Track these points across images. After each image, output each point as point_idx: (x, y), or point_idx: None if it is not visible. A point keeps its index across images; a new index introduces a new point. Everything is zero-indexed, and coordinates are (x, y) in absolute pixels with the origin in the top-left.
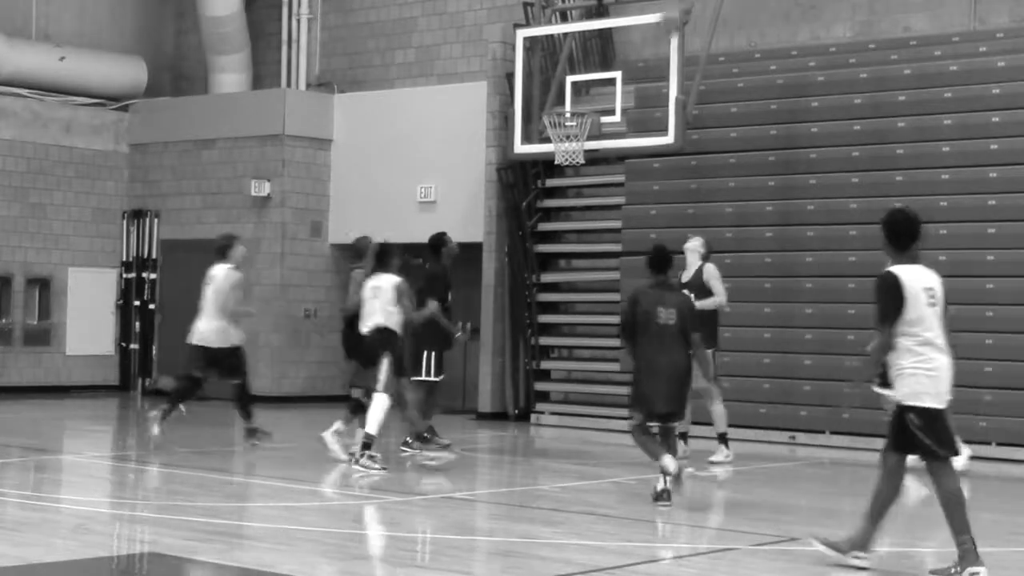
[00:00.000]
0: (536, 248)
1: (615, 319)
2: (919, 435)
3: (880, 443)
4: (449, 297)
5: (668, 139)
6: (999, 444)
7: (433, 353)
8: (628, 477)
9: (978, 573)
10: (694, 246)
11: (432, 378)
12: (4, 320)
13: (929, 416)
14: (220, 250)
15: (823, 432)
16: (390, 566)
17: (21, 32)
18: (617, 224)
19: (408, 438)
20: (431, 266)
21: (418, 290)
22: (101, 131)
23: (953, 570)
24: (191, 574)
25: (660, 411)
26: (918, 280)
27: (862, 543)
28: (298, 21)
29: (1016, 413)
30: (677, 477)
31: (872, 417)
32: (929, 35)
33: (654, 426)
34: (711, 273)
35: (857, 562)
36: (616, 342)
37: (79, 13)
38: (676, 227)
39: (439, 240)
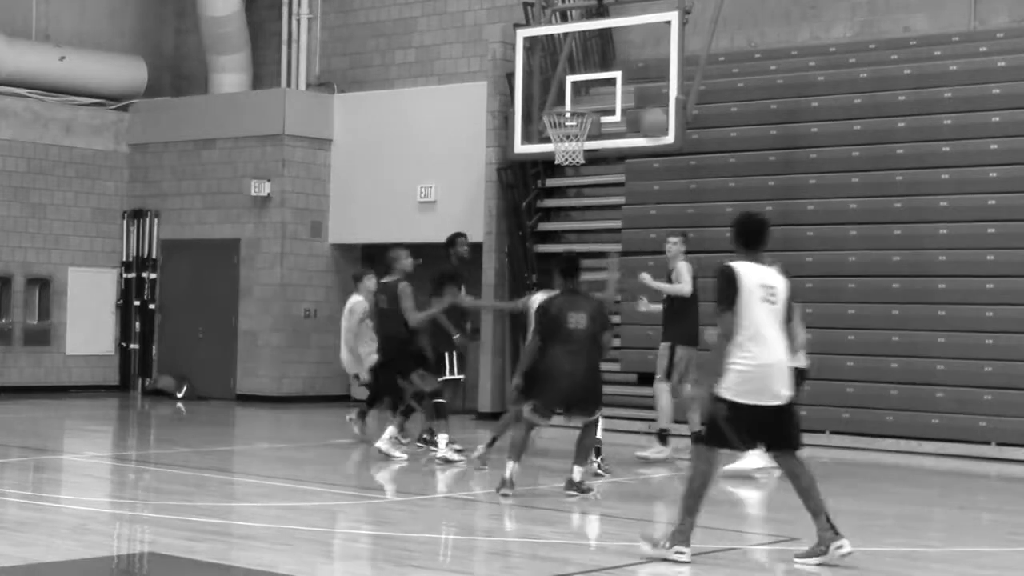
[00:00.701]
0: (536, 248)
1: (615, 319)
2: (723, 426)
3: (881, 443)
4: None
5: (668, 139)
6: (999, 444)
7: (454, 352)
8: (628, 477)
9: (842, 546)
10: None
11: (456, 376)
12: (4, 320)
13: (737, 409)
14: (353, 279)
15: (823, 432)
16: (390, 566)
17: (21, 32)
18: (617, 224)
19: (424, 435)
20: (441, 266)
21: (430, 291)
22: (101, 131)
23: (820, 549)
24: (191, 574)
25: (553, 407)
26: (755, 276)
27: (683, 537)
28: (298, 21)
29: (1016, 413)
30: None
31: (872, 417)
32: (929, 35)
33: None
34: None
35: (678, 556)
36: (616, 342)
37: (79, 13)
38: (676, 227)
39: (450, 241)
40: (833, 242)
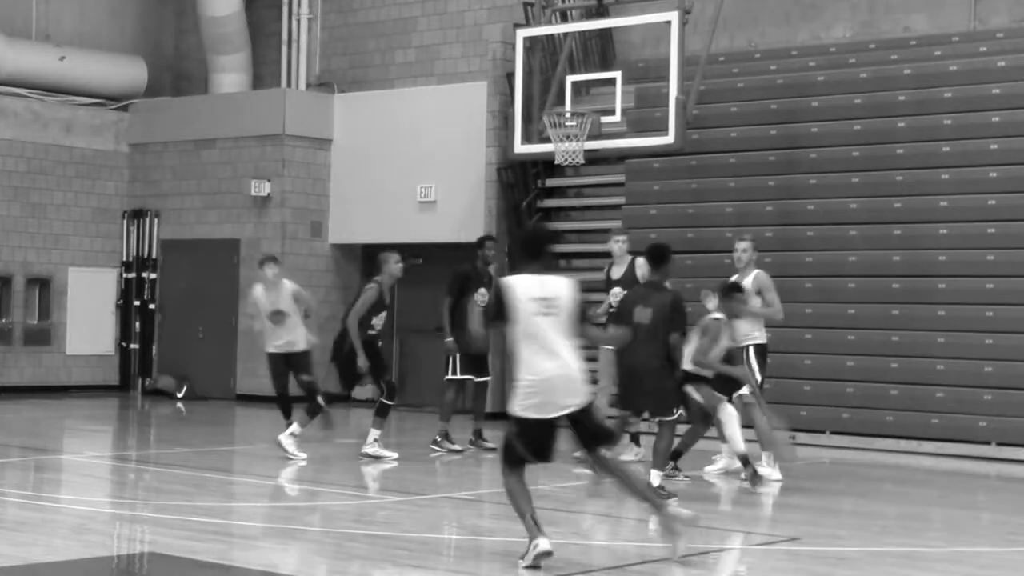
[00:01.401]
0: None
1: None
2: (514, 443)
3: (881, 443)
4: (475, 298)
5: (668, 139)
6: (999, 444)
7: (457, 353)
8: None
9: (537, 544)
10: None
11: (458, 376)
12: (4, 320)
13: (524, 425)
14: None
15: (823, 432)
16: (391, 566)
17: (21, 32)
18: (617, 224)
19: (437, 436)
20: (460, 266)
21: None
22: (101, 131)
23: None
24: (191, 574)
25: (621, 407)
26: (529, 290)
27: (532, 534)
28: (298, 21)
29: (1016, 413)
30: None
31: (873, 417)
32: (929, 35)
33: None
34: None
35: (536, 550)
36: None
37: (79, 13)
38: (676, 227)
39: (479, 243)
40: (833, 242)
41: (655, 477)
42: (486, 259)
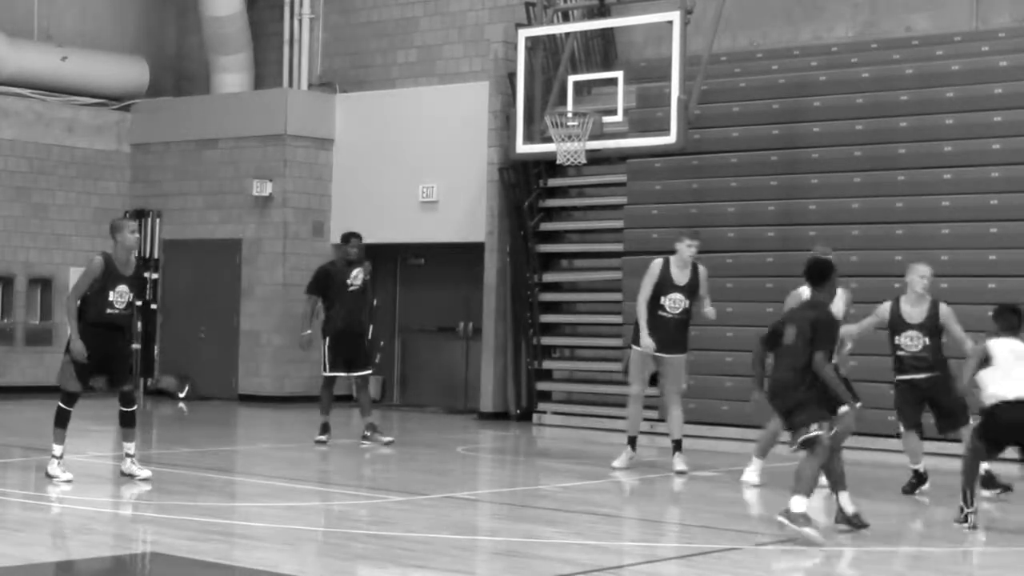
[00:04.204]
0: (538, 248)
1: (617, 319)
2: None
3: (882, 443)
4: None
5: (670, 139)
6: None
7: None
8: (629, 477)
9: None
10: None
11: (329, 373)
12: (6, 320)
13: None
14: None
15: None
16: (392, 566)
17: (23, 32)
18: (619, 224)
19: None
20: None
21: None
22: (103, 131)
23: None
24: (193, 574)
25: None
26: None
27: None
28: (300, 21)
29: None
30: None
31: (873, 416)
32: (931, 35)
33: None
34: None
35: None
36: (618, 341)
37: (81, 13)
38: (678, 227)
39: (344, 239)
40: (835, 242)
41: (846, 502)
42: (347, 256)
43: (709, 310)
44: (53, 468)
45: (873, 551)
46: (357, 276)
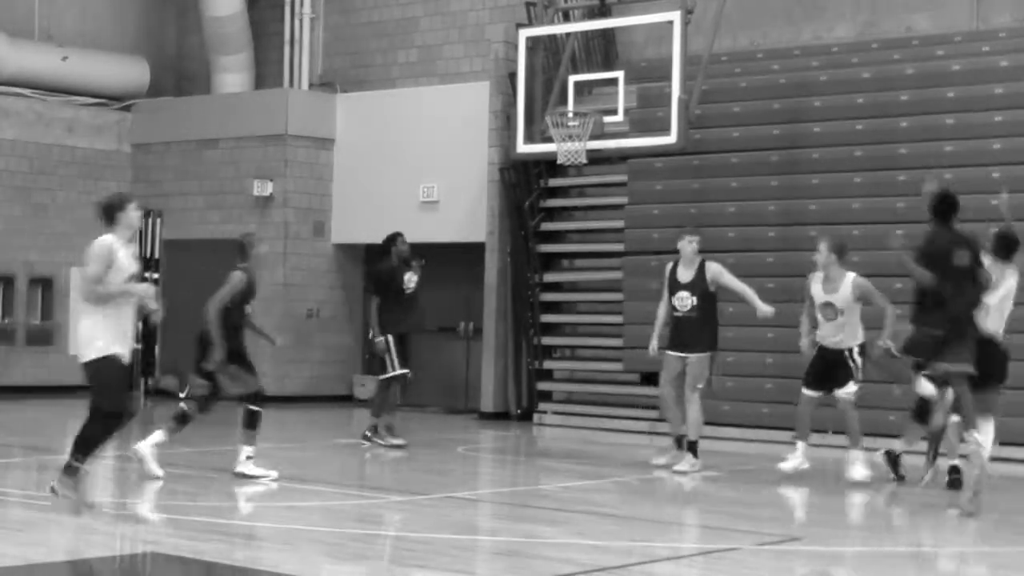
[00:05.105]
0: (539, 248)
1: (618, 319)
2: None
3: (881, 443)
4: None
5: (671, 139)
6: (1000, 444)
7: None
8: (630, 477)
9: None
10: None
11: (392, 372)
12: (7, 320)
13: None
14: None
15: (825, 432)
16: (392, 566)
17: (23, 32)
18: (620, 224)
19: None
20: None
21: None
22: (104, 131)
23: None
24: (194, 574)
25: None
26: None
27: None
28: (300, 21)
29: (1016, 413)
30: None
31: (873, 416)
32: (932, 35)
33: None
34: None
35: None
36: (619, 341)
37: (81, 13)
38: (679, 227)
39: (389, 239)
40: None
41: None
42: (400, 255)
43: (763, 308)
44: (251, 468)
45: (871, 551)
46: (412, 279)
